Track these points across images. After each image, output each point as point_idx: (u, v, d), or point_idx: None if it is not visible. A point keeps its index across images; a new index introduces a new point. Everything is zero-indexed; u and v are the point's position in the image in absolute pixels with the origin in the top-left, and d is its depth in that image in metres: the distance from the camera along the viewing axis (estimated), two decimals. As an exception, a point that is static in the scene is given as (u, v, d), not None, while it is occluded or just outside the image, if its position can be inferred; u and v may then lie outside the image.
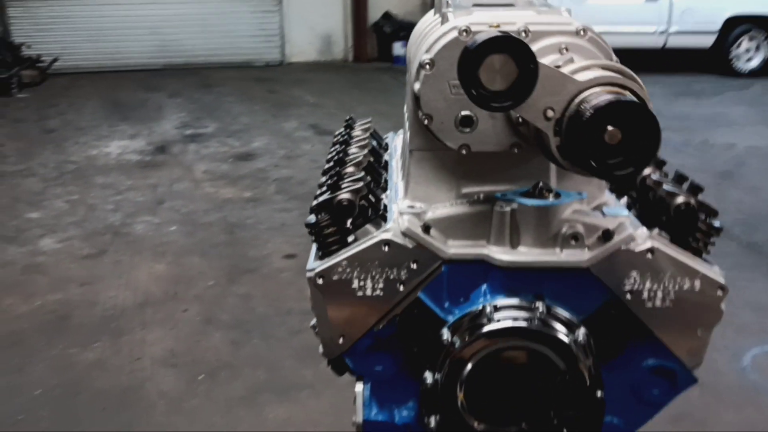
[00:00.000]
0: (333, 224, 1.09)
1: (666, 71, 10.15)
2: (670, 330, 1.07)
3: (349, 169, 1.22)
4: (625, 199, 1.21)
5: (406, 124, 1.24)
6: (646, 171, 1.18)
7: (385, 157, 1.45)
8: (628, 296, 1.05)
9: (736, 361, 3.53)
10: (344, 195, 1.09)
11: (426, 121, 1.03)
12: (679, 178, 1.15)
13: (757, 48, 10.03)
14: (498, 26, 1.01)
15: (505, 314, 1.05)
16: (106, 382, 3.29)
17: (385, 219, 1.12)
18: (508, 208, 1.05)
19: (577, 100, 0.81)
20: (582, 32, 1.01)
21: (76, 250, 4.69)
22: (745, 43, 10.00)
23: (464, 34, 0.99)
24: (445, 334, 1.05)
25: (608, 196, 1.16)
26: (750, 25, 9.92)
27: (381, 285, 1.06)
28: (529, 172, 1.09)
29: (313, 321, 1.12)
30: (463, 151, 1.04)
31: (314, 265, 1.08)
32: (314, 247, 1.13)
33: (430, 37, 1.08)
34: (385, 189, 1.25)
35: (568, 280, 1.05)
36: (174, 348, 3.56)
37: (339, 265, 1.06)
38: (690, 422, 3.04)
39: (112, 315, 3.87)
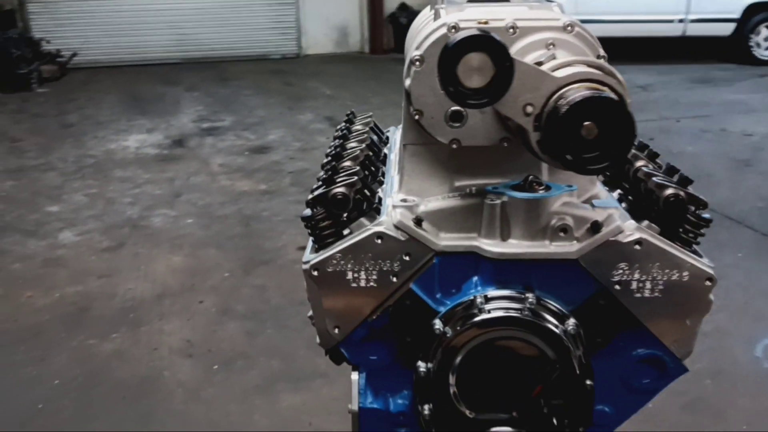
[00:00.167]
0: (328, 218, 1.12)
1: (685, 59, 10.05)
2: (659, 320, 1.08)
3: (346, 163, 1.24)
4: (617, 192, 1.22)
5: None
6: (639, 163, 1.20)
7: (385, 150, 1.47)
8: (617, 287, 1.06)
9: (752, 348, 3.53)
10: (339, 189, 1.11)
11: (417, 117, 1.05)
12: (670, 170, 1.16)
13: (776, 36, 9.90)
14: (486, 23, 1.02)
15: (496, 305, 1.07)
16: (125, 371, 3.37)
17: (379, 212, 1.14)
18: (498, 201, 1.07)
19: (555, 96, 0.83)
20: (569, 28, 1.02)
21: (95, 243, 4.78)
22: (764, 31, 9.86)
23: (453, 30, 1.01)
24: (437, 324, 1.08)
25: (600, 189, 1.17)
26: (770, 13, 9.79)
27: (374, 276, 1.09)
28: (521, 166, 1.11)
29: (311, 312, 1.15)
30: (454, 146, 1.06)
31: (309, 257, 1.11)
32: (311, 240, 1.16)
33: (422, 33, 1.10)
34: (381, 182, 1.28)
35: (557, 271, 1.07)
36: (191, 338, 3.63)
37: (333, 257, 1.09)
38: (704, 409, 3.05)
39: (130, 306, 3.95)
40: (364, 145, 1.32)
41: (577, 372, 1.06)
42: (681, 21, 9.71)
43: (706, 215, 1.10)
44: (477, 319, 1.06)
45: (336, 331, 1.12)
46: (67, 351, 3.53)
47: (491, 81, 0.79)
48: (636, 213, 1.14)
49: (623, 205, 1.18)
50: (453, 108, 1.03)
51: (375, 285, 1.09)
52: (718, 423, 2.97)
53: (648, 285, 1.06)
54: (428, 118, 1.05)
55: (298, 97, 8.74)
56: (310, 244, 1.16)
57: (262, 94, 8.94)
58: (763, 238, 4.67)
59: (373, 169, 1.31)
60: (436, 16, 1.13)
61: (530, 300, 1.07)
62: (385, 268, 1.08)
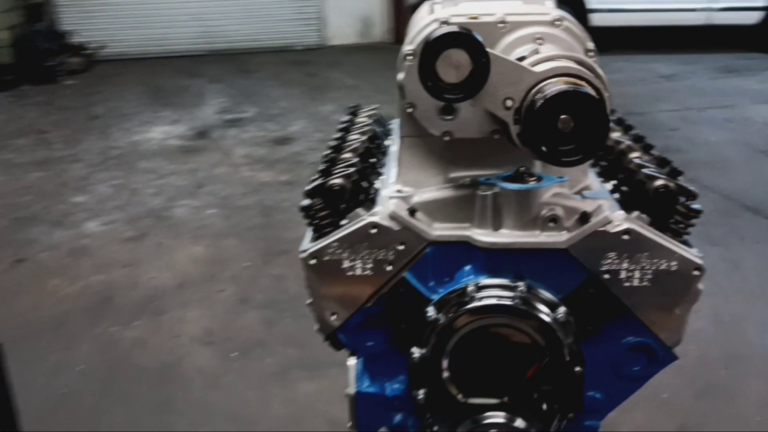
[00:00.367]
0: (325, 208, 1.16)
1: (710, 48, 9.90)
2: (648, 309, 1.10)
3: (346, 155, 1.28)
4: (609, 183, 1.24)
5: None
6: (633, 155, 1.22)
7: (388, 142, 1.50)
8: (606, 276, 1.09)
9: (766, 333, 3.52)
10: (336, 180, 1.15)
11: (410, 110, 1.08)
12: (662, 162, 1.18)
13: (805, 25, 9.67)
14: (477, 18, 1.05)
15: (488, 293, 1.10)
16: (147, 358, 3.45)
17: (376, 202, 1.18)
18: (490, 192, 1.10)
19: (534, 91, 0.85)
20: (558, 22, 1.04)
21: (119, 233, 4.88)
22: (792, 20, 9.65)
23: (443, 26, 1.04)
24: (431, 311, 1.11)
25: (593, 180, 1.20)
26: (799, 1, 9.58)
27: (370, 265, 1.12)
28: (515, 157, 1.14)
29: (310, 300, 1.19)
30: (446, 138, 1.09)
31: (307, 246, 1.15)
32: (309, 230, 1.20)
33: (416, 27, 1.13)
34: (380, 174, 1.31)
35: (547, 260, 1.09)
36: (210, 326, 3.70)
37: (330, 246, 1.12)
38: (717, 393, 3.06)
39: (152, 295, 4.04)
40: (364, 137, 1.35)
41: (567, 359, 1.09)
42: (706, 9, 9.55)
43: (696, 206, 1.11)
44: (468, 307, 1.09)
45: (333, 317, 1.16)
46: (91, 338, 3.62)
47: (468, 76, 0.82)
48: (628, 204, 1.16)
49: (616, 196, 1.20)
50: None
51: (370, 273, 1.12)
52: (731, 409, 2.98)
53: (637, 274, 1.08)
54: (421, 111, 1.08)
55: (320, 88, 8.78)
56: (308, 234, 1.20)
57: (284, 85, 8.99)
58: (782, 227, 4.62)
59: (373, 160, 1.34)
60: (431, 11, 1.15)
61: (521, 288, 1.10)
62: (379, 257, 1.12)
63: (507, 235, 1.10)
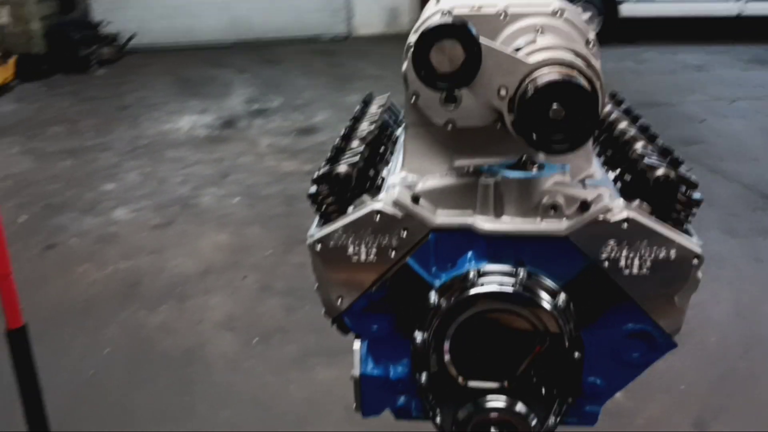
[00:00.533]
0: (331, 195, 1.19)
1: (742, 40, 9.72)
2: (648, 296, 1.11)
3: (353, 143, 1.30)
4: (612, 172, 1.25)
5: None
6: (637, 144, 1.23)
7: (399, 131, 1.53)
8: (606, 263, 1.10)
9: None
10: (342, 168, 1.18)
11: (414, 99, 1.10)
12: (664, 152, 1.19)
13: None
14: (479, 9, 1.07)
15: (489, 279, 1.12)
16: (171, 342, 3.53)
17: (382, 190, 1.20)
18: (492, 180, 1.12)
19: (527, 80, 0.87)
20: (558, 13, 1.06)
21: (146, 220, 4.98)
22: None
23: (447, 16, 1.06)
24: (433, 297, 1.14)
25: (596, 169, 1.21)
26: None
27: (374, 251, 1.15)
28: (518, 146, 1.15)
29: (316, 284, 1.22)
30: (449, 127, 1.11)
31: (314, 232, 1.18)
32: (317, 216, 1.23)
33: (423, 17, 1.15)
34: (388, 162, 1.34)
35: (548, 247, 1.11)
36: (233, 312, 3.78)
37: (335, 232, 1.15)
38: (738, 378, 3.05)
39: (177, 281, 4.12)
40: (373, 126, 1.38)
41: (567, 345, 1.11)
42: (737, 0, 9.37)
43: (696, 195, 1.12)
44: (470, 292, 1.11)
45: (339, 302, 1.19)
46: (117, 322, 3.72)
47: (461, 66, 0.84)
48: (631, 193, 1.17)
49: (619, 185, 1.21)
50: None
51: (374, 259, 1.15)
52: (748, 395, 2.97)
53: (636, 262, 1.10)
54: (424, 100, 1.10)
55: (346, 78, 8.82)
56: (316, 220, 1.23)
57: (310, 75, 9.05)
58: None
59: (382, 148, 1.37)
60: (437, 1, 1.17)
61: (522, 275, 1.12)
62: (383, 243, 1.14)
63: (508, 223, 1.12)
